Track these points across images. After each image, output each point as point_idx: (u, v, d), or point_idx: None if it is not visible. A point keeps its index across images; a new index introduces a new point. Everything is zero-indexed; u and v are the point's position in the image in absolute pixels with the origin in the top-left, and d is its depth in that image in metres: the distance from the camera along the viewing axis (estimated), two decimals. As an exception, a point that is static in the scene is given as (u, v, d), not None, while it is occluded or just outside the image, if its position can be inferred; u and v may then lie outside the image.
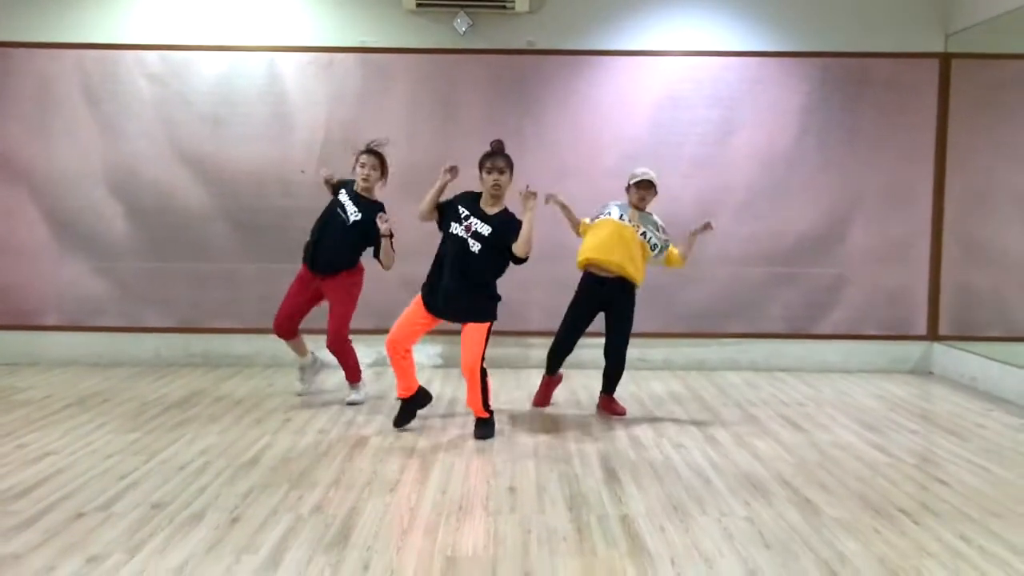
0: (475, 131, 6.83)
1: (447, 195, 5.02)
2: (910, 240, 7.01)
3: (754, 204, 6.98)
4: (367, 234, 5.48)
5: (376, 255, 5.49)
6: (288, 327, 5.75)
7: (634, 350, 6.88)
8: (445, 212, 4.98)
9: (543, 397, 5.73)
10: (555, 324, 5.62)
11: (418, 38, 6.88)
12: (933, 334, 7.05)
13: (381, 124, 6.84)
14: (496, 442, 4.88)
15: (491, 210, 4.93)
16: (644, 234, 5.42)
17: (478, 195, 5.00)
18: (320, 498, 3.90)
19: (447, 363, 6.87)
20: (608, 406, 5.59)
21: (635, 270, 5.37)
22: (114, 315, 6.99)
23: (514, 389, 6.21)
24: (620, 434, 5.07)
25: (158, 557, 3.24)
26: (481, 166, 4.94)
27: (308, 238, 5.68)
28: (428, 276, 5.03)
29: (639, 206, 5.50)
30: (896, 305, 7.05)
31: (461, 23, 6.80)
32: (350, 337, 5.70)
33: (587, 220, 5.60)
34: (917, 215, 7.00)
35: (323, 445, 4.76)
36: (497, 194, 4.92)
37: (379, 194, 5.65)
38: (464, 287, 4.89)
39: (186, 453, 4.56)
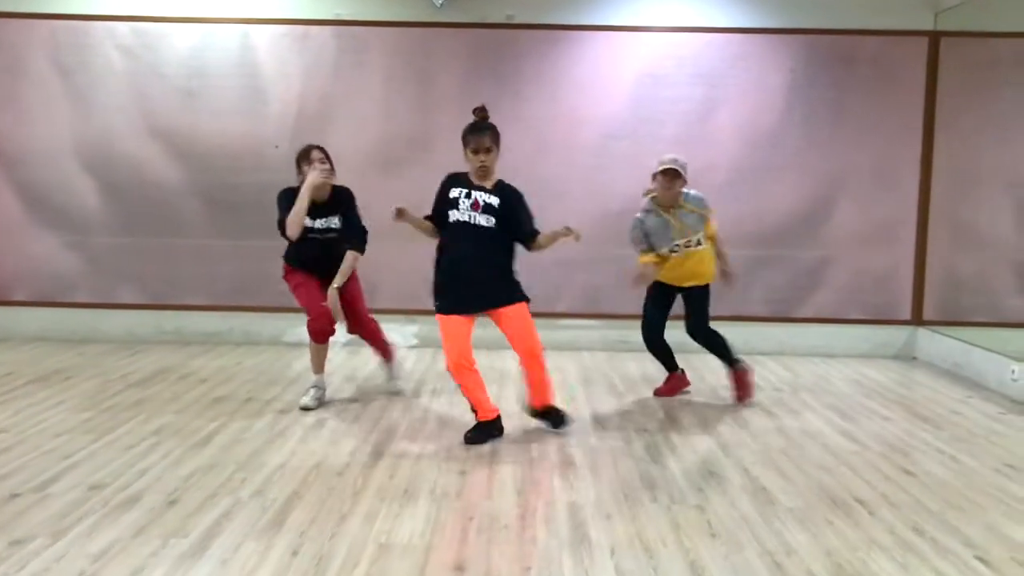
0: (451, 105, 6.68)
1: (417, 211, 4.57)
2: (896, 222, 6.86)
3: (737, 184, 6.83)
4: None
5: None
6: (332, 319, 5.03)
7: (613, 332, 6.84)
8: (441, 207, 4.53)
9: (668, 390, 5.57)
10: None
11: (394, 10, 6.72)
12: (918, 319, 6.91)
13: (356, 98, 6.75)
14: (452, 426, 4.78)
15: (487, 183, 4.49)
16: (696, 241, 5.20)
17: (463, 174, 4.54)
18: (263, 481, 3.82)
19: (423, 343, 6.75)
20: (740, 383, 5.36)
21: (706, 272, 5.29)
22: (86, 291, 6.91)
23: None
24: (584, 417, 4.97)
25: (83, 540, 3.16)
26: (465, 143, 4.44)
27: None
28: (439, 281, 4.50)
29: (668, 201, 5.13)
30: (881, 289, 6.91)
31: (439, -5, 6.66)
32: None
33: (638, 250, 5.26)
34: (903, 196, 6.84)
35: (279, 426, 4.68)
36: (485, 174, 4.47)
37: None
38: (488, 270, 4.46)
39: (138, 432, 4.48)
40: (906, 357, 6.89)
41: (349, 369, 6.07)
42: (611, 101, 6.76)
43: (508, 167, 4.68)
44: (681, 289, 5.36)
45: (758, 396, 5.52)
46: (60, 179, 6.81)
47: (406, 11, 6.72)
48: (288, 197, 5.00)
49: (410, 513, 3.50)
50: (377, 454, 4.24)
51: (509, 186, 4.54)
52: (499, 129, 4.51)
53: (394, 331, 6.61)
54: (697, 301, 5.38)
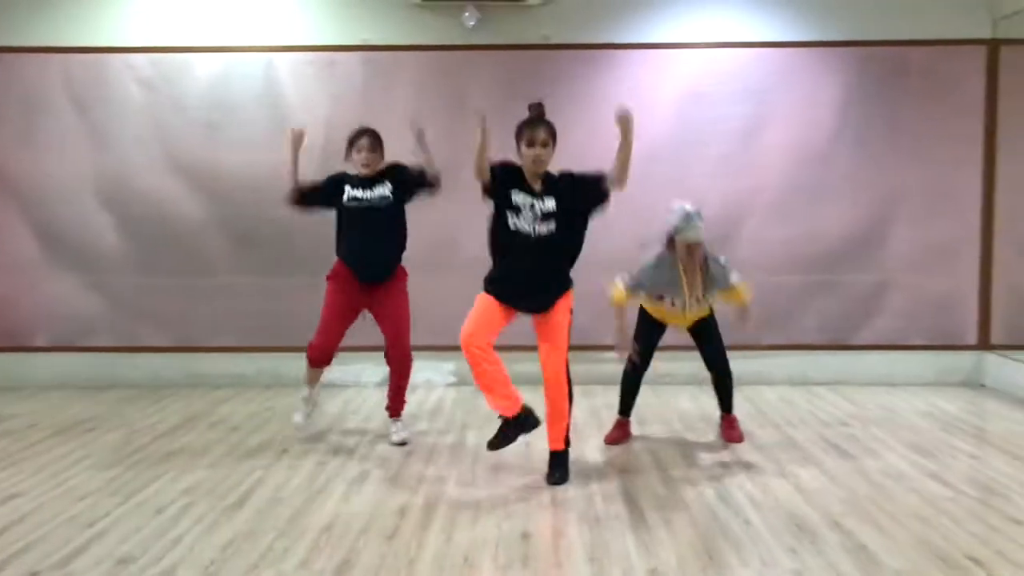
0: (486, 132, 6.40)
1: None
2: (958, 242, 6.49)
3: (786, 206, 6.48)
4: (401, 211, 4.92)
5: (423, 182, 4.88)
6: (332, 354, 5.02)
7: (659, 364, 6.44)
8: (498, 187, 4.17)
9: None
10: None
11: (423, 34, 6.44)
12: (984, 343, 6.51)
13: (385, 127, 6.36)
14: (503, 473, 4.41)
15: (539, 184, 4.15)
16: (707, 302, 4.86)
17: (517, 169, 4.19)
18: (308, 549, 3.45)
19: (461, 380, 6.39)
20: (727, 430, 5.01)
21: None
22: (106, 334, 6.60)
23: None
24: (646, 463, 4.60)
25: (114, 630, 2.81)
26: (519, 137, 4.13)
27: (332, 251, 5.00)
28: (495, 271, 4.24)
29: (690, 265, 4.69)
30: (944, 312, 6.52)
31: (469, 17, 6.35)
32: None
33: (621, 284, 4.71)
34: (965, 214, 6.47)
35: (319, 481, 4.32)
36: (540, 170, 4.13)
37: None
38: (548, 276, 4.19)
39: (167, 493, 4.13)
40: (974, 384, 6.49)
41: (384, 414, 5.70)
42: (653, 122, 6.38)
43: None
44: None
45: (828, 432, 5.15)
46: (78, 217, 6.53)
47: (436, 34, 6.44)
48: (336, 177, 4.94)
49: (475, 585, 3.14)
50: (429, 512, 3.87)
51: (567, 176, 4.20)
52: None
53: (429, 369, 6.32)
54: (706, 328, 4.95)
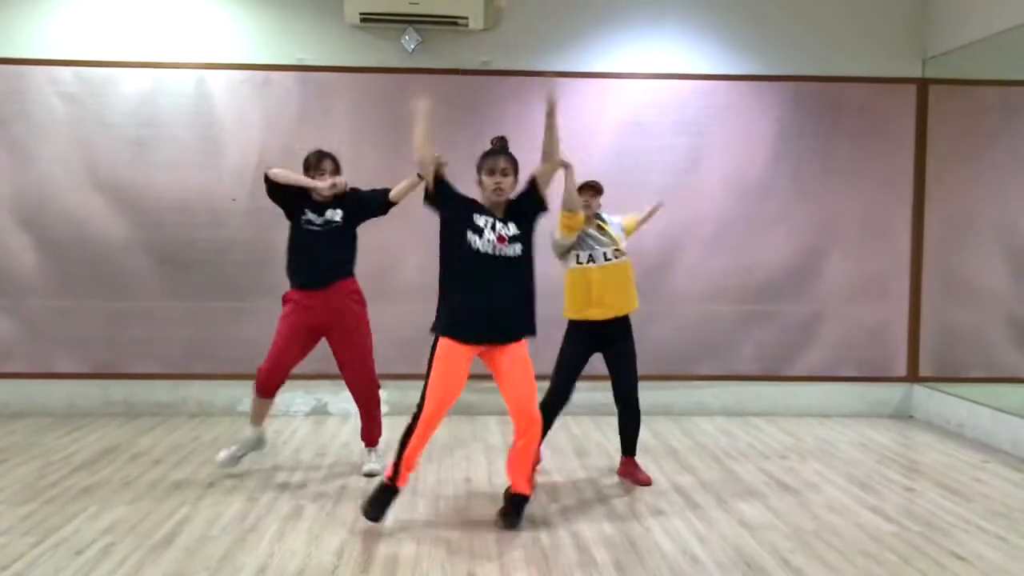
0: (425, 157, 6.31)
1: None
2: (889, 274, 6.60)
3: (724, 236, 6.52)
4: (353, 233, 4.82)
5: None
6: (280, 382, 4.76)
7: (596, 394, 6.33)
8: (448, 200, 4.02)
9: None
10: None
11: (363, 55, 6.31)
12: (913, 375, 6.62)
13: (323, 147, 6.25)
14: (446, 512, 4.28)
15: (501, 212, 4.03)
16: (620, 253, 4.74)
17: (474, 200, 4.08)
18: (242, 593, 3.28)
19: (393, 410, 6.21)
20: (631, 471, 4.85)
21: (629, 296, 4.76)
22: (21, 359, 6.26)
23: (469, 440, 5.64)
24: (590, 497, 4.51)
25: None
26: (480, 167, 4.04)
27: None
28: (452, 301, 4.01)
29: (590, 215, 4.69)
30: (875, 344, 6.62)
31: (410, 40, 6.26)
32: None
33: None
34: (896, 248, 6.59)
35: (251, 518, 4.12)
36: (500, 199, 4.01)
37: None
38: (518, 299, 4.02)
39: (87, 532, 3.89)
40: (903, 416, 6.59)
41: (317, 444, 5.53)
42: (594, 150, 6.39)
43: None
44: (603, 330, 4.73)
45: (768, 465, 5.15)
46: (-7, 237, 6.21)
47: (375, 56, 6.32)
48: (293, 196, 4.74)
49: (421, 631, 3.00)
50: (369, 551, 3.72)
51: (522, 193, 4.09)
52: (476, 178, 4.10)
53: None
54: (624, 357, 4.78)
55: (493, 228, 3.97)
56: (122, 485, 4.60)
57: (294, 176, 4.68)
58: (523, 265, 4.02)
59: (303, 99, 6.30)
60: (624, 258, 4.74)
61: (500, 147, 4.11)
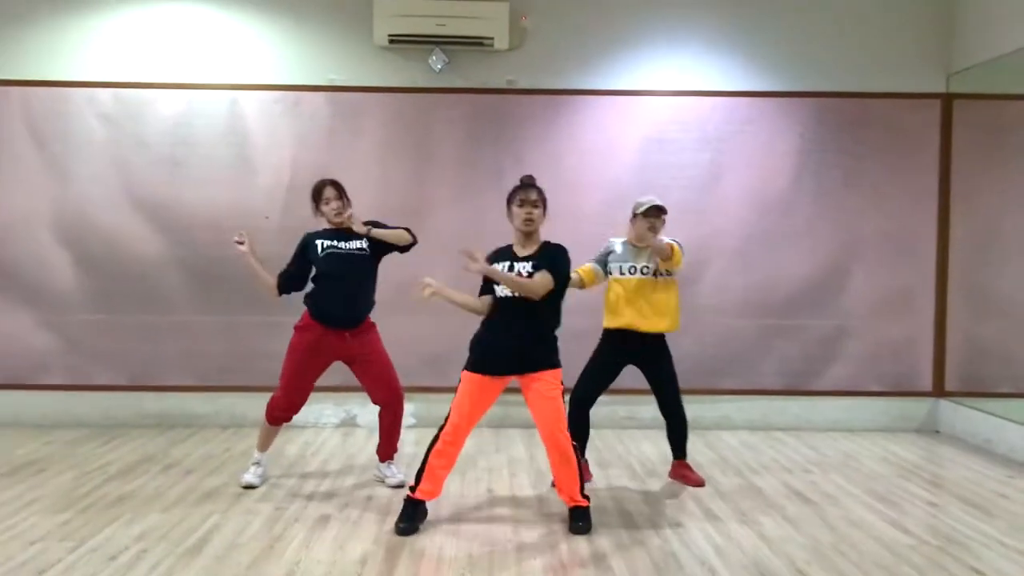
0: (451, 173, 6.46)
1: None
2: (913, 289, 6.60)
3: (747, 252, 6.57)
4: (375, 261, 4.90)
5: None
6: (295, 413, 4.97)
7: (620, 407, 6.46)
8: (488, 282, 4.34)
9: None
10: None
11: (391, 76, 6.46)
12: (939, 390, 6.61)
13: (350, 167, 6.39)
14: (467, 523, 4.37)
15: (526, 251, 4.28)
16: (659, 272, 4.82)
17: (508, 246, 4.37)
18: (268, 598, 3.38)
19: (420, 423, 6.32)
20: (682, 473, 4.90)
21: (669, 314, 4.86)
22: (59, 371, 6.45)
23: (493, 453, 5.72)
24: (610, 508, 4.58)
25: None
26: (510, 201, 4.31)
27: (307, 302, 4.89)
28: (474, 338, 4.34)
29: (645, 241, 4.74)
30: (900, 359, 6.62)
31: (436, 60, 6.40)
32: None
33: (590, 265, 4.95)
34: (920, 262, 6.59)
35: (278, 526, 4.24)
36: (530, 230, 4.26)
37: None
38: (529, 335, 4.23)
39: (121, 539, 4.02)
40: (928, 431, 6.58)
41: (345, 455, 5.65)
42: (616, 167, 6.50)
43: (510, 234, 4.40)
44: (638, 345, 4.85)
45: (790, 478, 5.18)
46: (34, 253, 6.40)
47: (403, 76, 6.46)
48: (303, 243, 4.91)
49: (439, 636, 3.08)
50: (391, 560, 3.81)
51: (552, 246, 4.32)
52: (501, 196, 4.43)
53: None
54: (660, 375, 4.88)
55: (511, 269, 4.22)
56: (155, 494, 4.74)
57: (253, 272, 4.91)
58: (537, 304, 4.19)
59: (333, 118, 6.45)
60: (649, 276, 4.82)
61: (530, 182, 4.33)
